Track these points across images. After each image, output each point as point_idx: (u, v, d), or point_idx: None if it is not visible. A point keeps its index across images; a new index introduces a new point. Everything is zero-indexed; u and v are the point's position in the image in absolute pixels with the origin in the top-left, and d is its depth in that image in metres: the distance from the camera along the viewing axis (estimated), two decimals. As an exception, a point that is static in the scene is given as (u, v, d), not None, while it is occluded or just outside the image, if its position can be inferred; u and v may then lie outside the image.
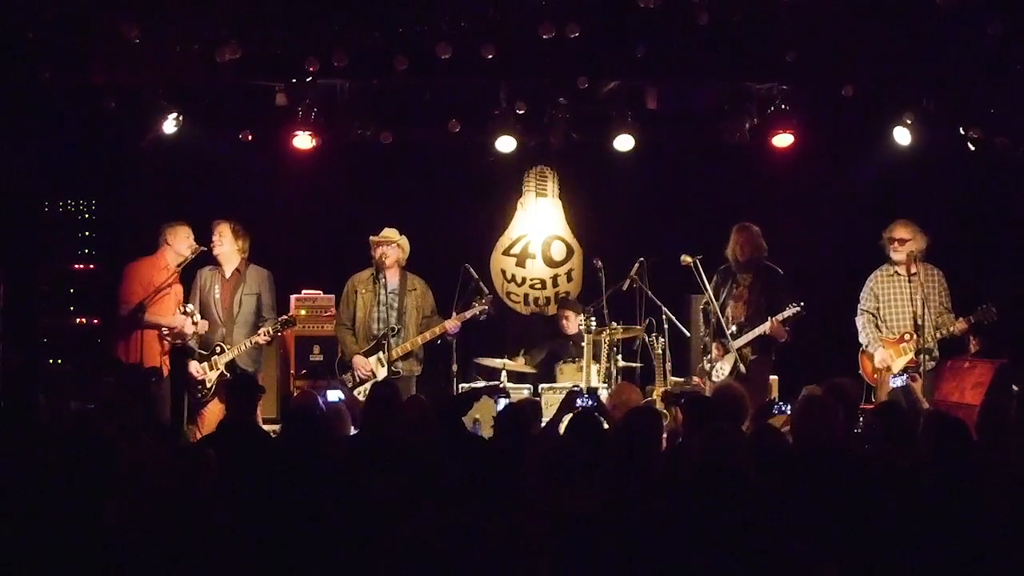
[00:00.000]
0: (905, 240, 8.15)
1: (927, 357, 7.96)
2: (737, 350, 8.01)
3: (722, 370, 8.13)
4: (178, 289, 8.13)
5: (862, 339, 8.33)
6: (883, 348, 8.18)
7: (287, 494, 4.36)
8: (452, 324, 8.13)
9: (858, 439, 5.94)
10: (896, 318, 8.21)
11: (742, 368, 7.98)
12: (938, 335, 8.05)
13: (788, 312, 8.03)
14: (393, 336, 8.06)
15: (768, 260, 8.27)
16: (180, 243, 8.11)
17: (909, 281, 8.10)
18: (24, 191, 8.76)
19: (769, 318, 8.06)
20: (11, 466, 4.52)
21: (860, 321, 8.35)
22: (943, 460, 4.40)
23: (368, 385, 7.67)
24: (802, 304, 8.05)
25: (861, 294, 8.41)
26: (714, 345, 8.19)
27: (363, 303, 8.18)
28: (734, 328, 8.13)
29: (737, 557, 3.12)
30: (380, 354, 8.04)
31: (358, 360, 8.09)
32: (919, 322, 7.97)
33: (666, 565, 3.55)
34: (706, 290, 8.11)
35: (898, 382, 7.68)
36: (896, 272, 8.23)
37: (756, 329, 8.06)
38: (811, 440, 4.85)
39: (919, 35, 8.20)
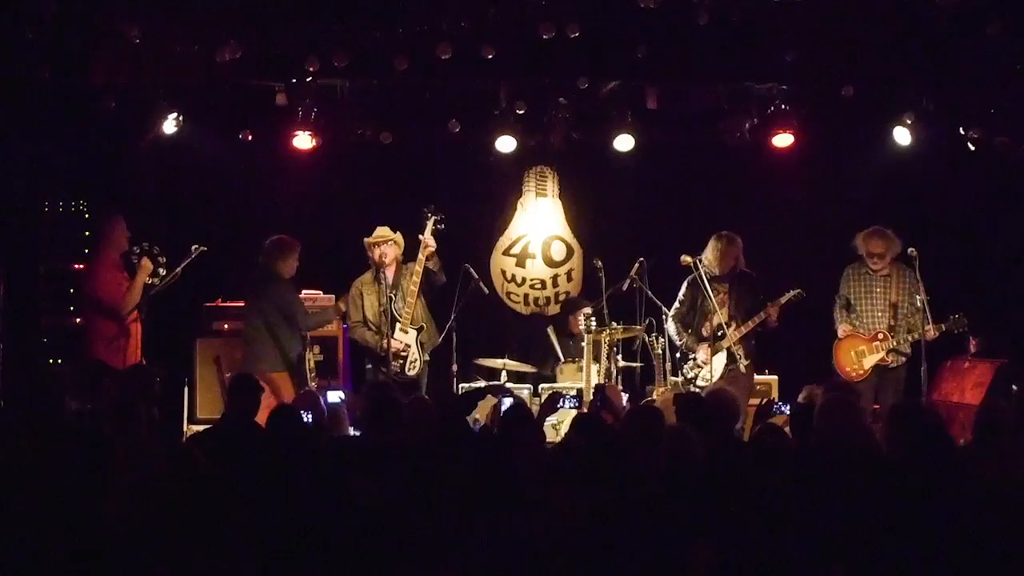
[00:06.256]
0: (882, 254, 8.10)
1: (896, 355, 8.06)
2: (728, 350, 8.04)
3: (710, 372, 8.12)
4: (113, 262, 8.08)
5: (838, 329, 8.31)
6: (847, 324, 8.19)
7: (283, 494, 4.35)
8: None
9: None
10: (869, 316, 8.20)
11: (742, 366, 8.00)
12: (911, 338, 8.02)
13: (789, 295, 8.09)
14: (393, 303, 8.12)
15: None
16: (120, 237, 8.07)
17: (882, 280, 8.14)
18: (24, 191, 8.76)
19: (767, 304, 8.10)
20: (11, 466, 4.52)
21: (835, 312, 8.35)
22: (918, 453, 4.39)
23: (414, 359, 8.11)
24: (800, 289, 8.11)
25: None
26: (701, 348, 8.19)
27: (370, 304, 8.22)
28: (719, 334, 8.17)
29: (740, 557, 3.12)
30: (397, 326, 8.09)
31: (392, 343, 8.05)
32: (892, 323, 8.05)
33: (667, 565, 3.56)
34: (706, 291, 8.10)
35: None
36: (867, 272, 8.23)
37: (755, 317, 8.09)
38: (836, 440, 4.84)
39: (919, 35, 8.21)
